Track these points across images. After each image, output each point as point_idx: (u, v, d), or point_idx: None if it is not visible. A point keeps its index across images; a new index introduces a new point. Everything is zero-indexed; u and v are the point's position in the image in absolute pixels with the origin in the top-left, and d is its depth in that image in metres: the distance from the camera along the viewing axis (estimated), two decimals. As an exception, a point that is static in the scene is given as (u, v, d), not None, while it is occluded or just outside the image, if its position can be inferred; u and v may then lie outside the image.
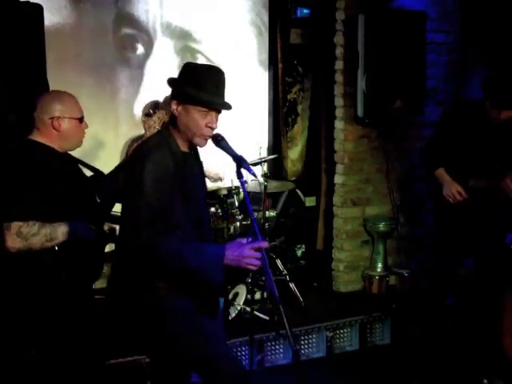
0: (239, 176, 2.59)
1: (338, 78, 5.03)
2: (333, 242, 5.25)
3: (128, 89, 5.12)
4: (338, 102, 5.06)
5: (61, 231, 2.79)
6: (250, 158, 4.78)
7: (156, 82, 5.14)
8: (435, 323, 4.73)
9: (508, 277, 4.08)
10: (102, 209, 3.11)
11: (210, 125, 2.62)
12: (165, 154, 2.59)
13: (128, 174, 2.66)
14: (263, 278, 4.56)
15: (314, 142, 5.58)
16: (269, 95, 5.60)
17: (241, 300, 4.38)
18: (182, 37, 5.25)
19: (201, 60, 5.31)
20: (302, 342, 4.47)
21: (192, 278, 2.55)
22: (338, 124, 5.08)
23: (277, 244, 4.95)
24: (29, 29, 3.68)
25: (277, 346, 4.37)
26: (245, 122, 5.43)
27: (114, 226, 4.42)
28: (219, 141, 2.66)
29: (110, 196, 3.12)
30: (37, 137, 2.90)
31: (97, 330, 3.07)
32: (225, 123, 5.24)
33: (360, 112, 4.92)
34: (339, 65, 5.02)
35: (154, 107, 4.84)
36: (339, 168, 5.13)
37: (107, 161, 4.84)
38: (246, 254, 2.46)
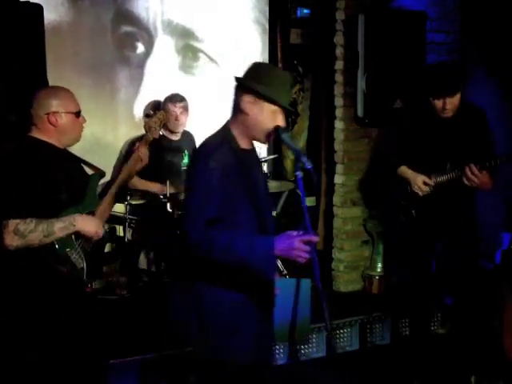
0: (296, 169, 2.57)
1: (338, 78, 5.03)
2: (333, 242, 5.25)
3: (128, 89, 5.12)
4: (338, 102, 5.05)
5: (58, 226, 2.79)
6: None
7: (156, 81, 5.14)
8: (432, 323, 4.75)
9: (507, 278, 4.09)
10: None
11: (279, 123, 2.66)
12: (227, 151, 2.63)
13: (191, 169, 2.69)
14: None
15: (314, 142, 5.58)
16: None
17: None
18: (184, 35, 5.24)
19: (202, 59, 5.30)
20: (302, 342, 4.47)
21: (244, 271, 2.57)
22: (338, 124, 5.08)
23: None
24: (29, 29, 3.68)
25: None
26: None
27: (114, 225, 4.46)
28: (281, 133, 2.65)
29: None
30: (35, 133, 2.89)
31: (97, 329, 3.07)
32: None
33: (360, 112, 4.93)
34: (339, 65, 5.02)
35: (154, 108, 4.85)
36: (339, 168, 5.13)
37: (107, 161, 4.87)
38: (296, 246, 2.47)
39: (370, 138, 5.17)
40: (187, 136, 4.97)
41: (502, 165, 3.75)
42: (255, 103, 2.63)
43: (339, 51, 5.01)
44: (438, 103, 3.80)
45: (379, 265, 5.16)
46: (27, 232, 2.71)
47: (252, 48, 5.48)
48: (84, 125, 3.01)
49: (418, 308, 4.30)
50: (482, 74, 5.25)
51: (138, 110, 5.09)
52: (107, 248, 4.41)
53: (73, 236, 2.86)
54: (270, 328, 2.75)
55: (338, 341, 4.61)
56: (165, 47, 5.18)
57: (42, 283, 2.81)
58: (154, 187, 4.62)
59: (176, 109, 4.74)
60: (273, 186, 4.83)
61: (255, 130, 2.67)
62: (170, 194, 4.44)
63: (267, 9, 5.46)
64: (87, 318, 2.98)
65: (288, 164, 5.64)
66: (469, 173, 3.74)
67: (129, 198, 4.43)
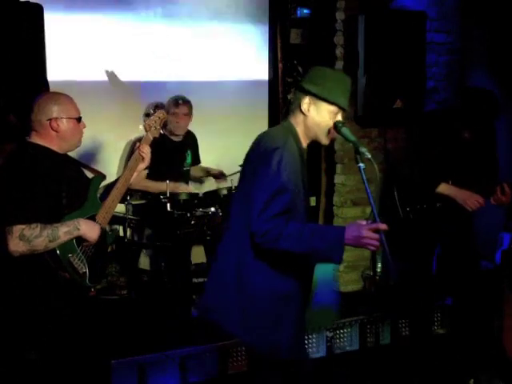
0: (357, 161, 2.66)
1: (338, 77, 5.02)
2: (333, 242, 5.24)
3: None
4: (338, 101, 5.05)
5: (63, 231, 2.79)
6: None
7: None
8: (431, 323, 4.75)
9: (507, 278, 4.09)
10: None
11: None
12: (293, 147, 2.74)
13: (263, 162, 2.69)
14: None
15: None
16: (269, 95, 5.60)
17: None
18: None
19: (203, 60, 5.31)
20: (302, 342, 4.47)
21: (307, 260, 2.67)
22: (338, 124, 5.07)
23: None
24: (29, 29, 3.67)
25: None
26: (245, 122, 5.43)
27: (116, 226, 4.46)
28: (340, 127, 2.74)
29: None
30: (35, 139, 2.88)
31: (99, 332, 3.07)
32: (225, 123, 5.35)
33: (360, 112, 4.93)
34: (339, 65, 5.02)
35: (154, 107, 4.84)
36: (339, 168, 5.13)
37: (107, 162, 4.87)
38: (364, 234, 2.54)
39: (370, 138, 5.17)
40: (190, 135, 4.97)
41: None
42: (313, 104, 2.74)
43: (339, 51, 5.01)
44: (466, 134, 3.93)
45: (379, 265, 5.15)
46: (32, 237, 2.70)
47: (252, 48, 5.48)
48: (84, 130, 3.01)
49: (418, 308, 4.30)
50: (481, 74, 5.25)
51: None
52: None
53: (74, 241, 2.86)
54: (304, 322, 2.87)
55: (338, 341, 4.61)
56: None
57: (44, 289, 2.80)
58: (164, 187, 4.60)
59: (179, 111, 4.74)
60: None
61: (315, 131, 2.78)
62: (169, 193, 4.44)
63: (267, 9, 5.45)
64: (89, 322, 2.98)
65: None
66: (499, 193, 3.82)
67: (129, 197, 4.43)
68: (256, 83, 5.55)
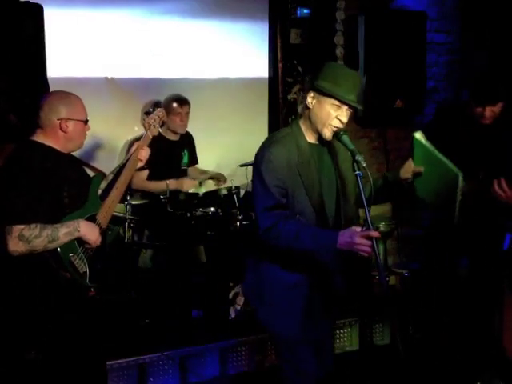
0: (354, 169, 2.71)
1: (338, 77, 5.02)
2: (333, 242, 5.23)
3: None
4: (338, 102, 5.05)
5: (62, 232, 2.79)
6: (250, 158, 4.78)
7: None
8: (434, 323, 4.74)
9: (507, 278, 4.09)
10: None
11: (339, 117, 2.77)
12: (289, 146, 2.80)
13: (254, 162, 2.85)
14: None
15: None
16: (269, 95, 5.60)
17: (241, 300, 4.38)
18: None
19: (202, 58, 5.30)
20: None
21: (306, 258, 2.78)
22: (338, 124, 5.07)
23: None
24: (29, 29, 3.68)
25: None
26: (245, 123, 5.43)
27: (116, 226, 4.45)
28: (340, 135, 2.78)
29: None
30: (40, 137, 2.87)
31: (98, 332, 3.07)
32: (225, 123, 5.34)
33: (360, 112, 4.92)
34: (339, 65, 5.02)
35: (153, 105, 4.84)
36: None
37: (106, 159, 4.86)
38: (357, 241, 2.61)
39: (370, 138, 5.17)
40: (186, 135, 4.97)
41: None
42: (316, 98, 2.79)
43: (339, 51, 5.02)
44: (478, 109, 3.79)
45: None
46: (32, 237, 2.70)
47: (252, 48, 5.48)
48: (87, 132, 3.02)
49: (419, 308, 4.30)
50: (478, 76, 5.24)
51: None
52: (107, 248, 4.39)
53: (75, 241, 2.86)
54: (324, 307, 2.97)
55: (337, 341, 4.61)
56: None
57: (44, 288, 2.80)
58: (164, 185, 4.59)
59: (182, 110, 4.74)
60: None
61: (317, 124, 2.81)
62: (170, 193, 4.44)
63: (267, 9, 5.45)
64: (88, 318, 2.98)
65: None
66: (496, 187, 3.74)
67: (129, 197, 4.42)
68: (256, 82, 5.54)
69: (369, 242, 2.62)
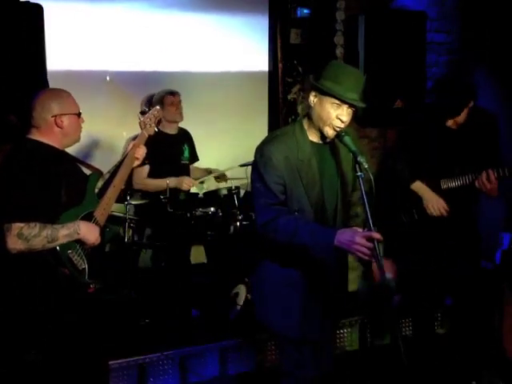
0: (355, 170, 2.69)
1: (338, 77, 5.02)
2: (333, 242, 5.23)
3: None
4: (338, 102, 5.05)
5: (62, 233, 2.79)
6: (250, 158, 4.78)
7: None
8: (432, 323, 4.74)
9: (507, 278, 4.09)
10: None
11: (340, 117, 2.76)
12: (288, 142, 2.81)
13: (254, 159, 2.87)
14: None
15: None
16: (269, 95, 5.60)
17: (241, 300, 4.38)
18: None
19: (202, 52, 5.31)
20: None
21: (306, 254, 2.76)
22: (338, 124, 5.07)
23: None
24: (29, 29, 3.68)
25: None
26: (245, 123, 5.43)
27: (116, 225, 4.45)
28: (342, 137, 2.77)
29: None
30: (36, 136, 2.89)
31: (98, 330, 3.07)
32: (225, 124, 5.34)
33: (360, 112, 4.91)
34: (339, 65, 5.01)
35: (148, 104, 4.85)
36: (339, 168, 5.11)
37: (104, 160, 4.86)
38: (357, 240, 2.56)
39: (370, 138, 5.17)
40: (184, 131, 4.97)
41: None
42: (317, 97, 2.79)
43: (339, 51, 5.01)
44: (450, 121, 3.87)
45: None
46: (31, 236, 2.71)
47: (251, 42, 5.48)
48: (82, 125, 3.02)
49: (418, 308, 4.30)
50: (481, 74, 5.25)
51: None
52: (107, 248, 4.39)
53: None
54: (323, 306, 2.95)
55: (338, 341, 4.61)
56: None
57: (43, 285, 2.80)
58: (164, 183, 4.59)
59: (175, 99, 4.75)
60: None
61: (319, 123, 2.80)
62: (170, 193, 4.44)
63: (267, 9, 5.45)
64: (88, 318, 2.98)
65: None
66: (484, 178, 3.74)
67: (129, 198, 4.43)
68: (256, 79, 5.53)
69: (369, 244, 2.57)
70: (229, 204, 4.70)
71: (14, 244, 2.70)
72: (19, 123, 3.58)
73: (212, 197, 4.77)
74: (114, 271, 4.55)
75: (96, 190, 3.10)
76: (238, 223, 4.64)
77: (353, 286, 5.19)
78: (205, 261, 4.91)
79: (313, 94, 2.81)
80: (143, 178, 4.56)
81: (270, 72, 5.55)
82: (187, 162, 4.97)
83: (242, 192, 4.90)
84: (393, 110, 5.00)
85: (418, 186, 4.01)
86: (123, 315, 4.22)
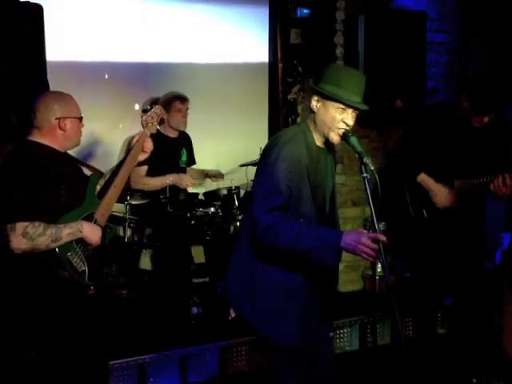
0: (361, 172, 2.67)
1: (338, 78, 5.02)
2: (333, 242, 5.23)
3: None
4: (338, 102, 5.05)
5: (66, 232, 2.80)
6: (250, 158, 4.79)
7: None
8: (433, 323, 4.74)
9: (507, 278, 4.09)
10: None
11: (345, 120, 2.75)
12: (300, 146, 2.77)
13: (263, 159, 2.82)
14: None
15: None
16: (269, 95, 5.60)
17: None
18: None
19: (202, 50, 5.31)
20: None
21: (307, 258, 2.68)
22: (338, 124, 5.07)
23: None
24: (29, 29, 3.68)
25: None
26: (245, 123, 5.43)
27: (116, 225, 4.45)
28: (348, 137, 2.76)
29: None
30: (37, 137, 2.89)
31: (98, 331, 3.07)
32: (225, 124, 5.34)
33: (360, 112, 4.91)
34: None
35: (151, 103, 4.84)
36: (339, 168, 5.13)
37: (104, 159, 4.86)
38: (363, 241, 2.54)
39: (370, 138, 5.17)
40: (184, 134, 4.97)
41: None
42: (320, 102, 2.77)
43: (339, 51, 5.01)
44: (477, 118, 3.83)
45: (379, 265, 5.15)
46: (36, 235, 2.71)
47: (251, 47, 5.48)
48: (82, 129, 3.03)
49: (419, 308, 4.30)
50: (482, 74, 5.24)
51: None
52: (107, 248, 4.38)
53: (73, 239, 2.86)
54: (318, 313, 2.90)
55: (337, 341, 4.61)
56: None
57: (43, 287, 2.80)
58: (168, 180, 4.59)
59: (183, 107, 4.75)
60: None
61: (323, 128, 2.78)
62: (170, 192, 4.44)
63: (267, 9, 5.45)
64: (88, 320, 2.98)
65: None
66: (500, 182, 3.74)
67: (129, 198, 4.43)
68: (256, 83, 5.54)
69: (375, 246, 2.55)
70: (229, 204, 4.70)
71: (19, 244, 2.70)
72: (19, 123, 3.58)
73: (212, 197, 4.77)
74: (114, 271, 4.56)
75: (96, 190, 3.10)
76: (238, 223, 4.64)
77: (353, 286, 5.23)
78: (205, 261, 4.90)
79: (315, 98, 2.79)
80: (141, 177, 4.56)
81: (270, 72, 5.55)
82: (184, 166, 4.98)
83: (242, 192, 4.90)
84: (393, 110, 5.00)
85: (424, 179, 4.02)
86: (123, 315, 4.22)
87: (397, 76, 4.94)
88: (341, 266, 5.10)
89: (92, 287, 2.94)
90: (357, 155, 2.73)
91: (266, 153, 2.80)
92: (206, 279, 4.72)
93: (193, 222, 4.53)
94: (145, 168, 4.55)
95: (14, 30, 3.60)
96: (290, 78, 5.51)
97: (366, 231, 2.63)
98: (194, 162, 5.09)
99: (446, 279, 4.30)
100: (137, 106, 5.06)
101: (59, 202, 2.84)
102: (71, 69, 4.67)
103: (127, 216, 4.45)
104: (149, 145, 3.15)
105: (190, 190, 4.93)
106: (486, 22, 5.33)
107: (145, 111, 3.31)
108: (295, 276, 2.80)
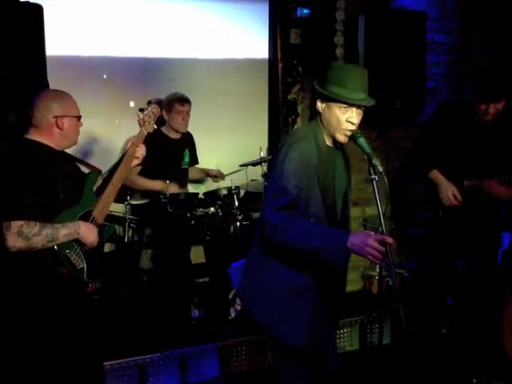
0: (370, 173, 2.67)
1: (338, 78, 5.02)
2: (333, 242, 5.23)
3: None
4: (338, 102, 5.05)
5: (63, 233, 2.80)
6: (250, 158, 4.79)
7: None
8: (434, 323, 4.74)
9: (507, 278, 4.09)
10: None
11: (350, 120, 2.73)
12: (310, 145, 2.77)
13: (273, 158, 2.84)
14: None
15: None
16: (269, 95, 5.60)
17: (241, 300, 4.38)
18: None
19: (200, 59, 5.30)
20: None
21: (316, 257, 2.68)
22: (338, 124, 5.07)
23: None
24: (29, 29, 3.67)
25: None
26: (245, 123, 5.43)
27: (116, 225, 4.45)
28: (357, 138, 2.74)
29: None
30: (35, 136, 2.90)
31: (97, 330, 3.07)
32: (225, 124, 5.34)
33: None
34: (339, 65, 5.01)
35: (148, 102, 4.84)
36: (339, 168, 5.12)
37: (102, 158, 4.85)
38: (370, 243, 2.54)
39: (370, 139, 5.16)
40: (187, 135, 4.97)
41: None
42: (324, 103, 2.78)
43: (339, 51, 5.01)
44: (482, 107, 3.81)
45: (379, 265, 5.14)
46: (31, 235, 2.72)
47: (251, 47, 5.48)
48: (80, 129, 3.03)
49: (419, 308, 4.30)
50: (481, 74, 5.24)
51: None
52: (107, 248, 4.38)
53: None
54: (326, 313, 2.91)
55: (338, 341, 4.60)
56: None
57: (41, 285, 2.80)
58: (156, 185, 4.61)
59: (184, 109, 4.75)
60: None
61: (329, 129, 2.79)
62: (170, 193, 4.44)
63: (267, 9, 5.45)
64: (87, 318, 2.98)
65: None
66: (487, 187, 3.77)
67: (129, 198, 4.43)
68: (256, 83, 5.53)
69: (382, 248, 2.55)
70: (229, 204, 4.70)
71: (14, 242, 2.70)
72: (19, 123, 3.58)
73: (212, 197, 4.77)
74: (114, 271, 4.56)
75: (94, 189, 3.10)
76: (238, 223, 4.64)
77: (353, 286, 5.22)
78: (205, 261, 4.90)
79: (319, 100, 2.79)
80: (132, 176, 4.53)
81: (269, 72, 5.55)
82: (186, 167, 4.98)
83: (242, 192, 4.90)
84: (393, 110, 5.00)
85: (435, 175, 4.03)
86: (123, 315, 4.22)
87: (397, 76, 4.94)
88: (342, 266, 5.15)
89: (91, 285, 2.94)
90: (366, 156, 2.71)
91: (276, 152, 2.82)
92: (206, 279, 4.73)
93: (193, 222, 4.53)
94: (137, 167, 4.54)
95: (13, 30, 3.60)
96: (290, 77, 5.50)
97: (373, 233, 2.61)
98: (196, 162, 5.10)
99: (446, 279, 4.29)
100: (132, 104, 5.05)
101: (57, 199, 2.84)
102: (69, 64, 4.68)
103: (127, 216, 4.45)
104: (140, 151, 3.16)
105: (190, 190, 4.93)
106: (486, 22, 5.33)
107: (141, 110, 3.31)
108: (304, 276, 2.81)
